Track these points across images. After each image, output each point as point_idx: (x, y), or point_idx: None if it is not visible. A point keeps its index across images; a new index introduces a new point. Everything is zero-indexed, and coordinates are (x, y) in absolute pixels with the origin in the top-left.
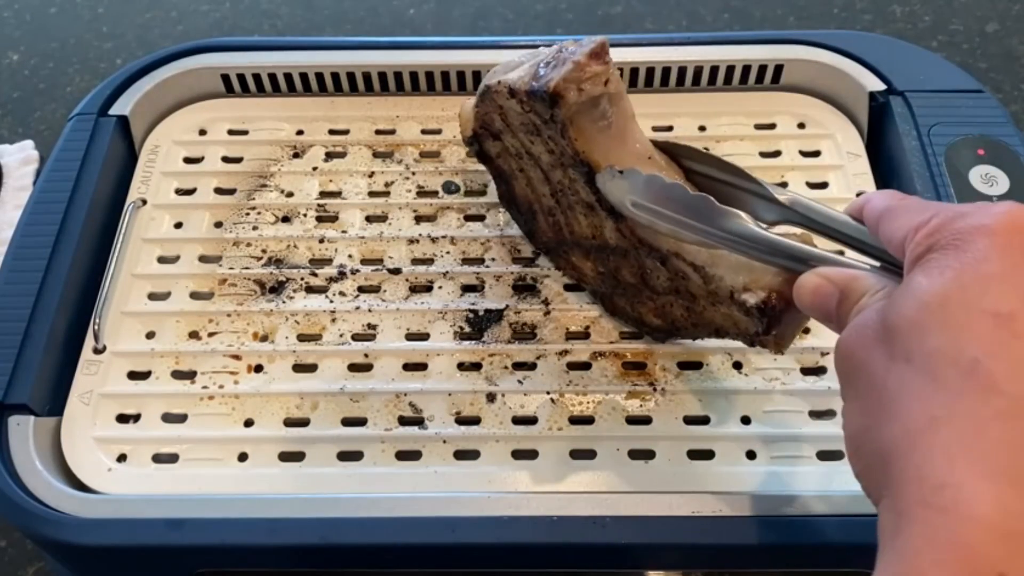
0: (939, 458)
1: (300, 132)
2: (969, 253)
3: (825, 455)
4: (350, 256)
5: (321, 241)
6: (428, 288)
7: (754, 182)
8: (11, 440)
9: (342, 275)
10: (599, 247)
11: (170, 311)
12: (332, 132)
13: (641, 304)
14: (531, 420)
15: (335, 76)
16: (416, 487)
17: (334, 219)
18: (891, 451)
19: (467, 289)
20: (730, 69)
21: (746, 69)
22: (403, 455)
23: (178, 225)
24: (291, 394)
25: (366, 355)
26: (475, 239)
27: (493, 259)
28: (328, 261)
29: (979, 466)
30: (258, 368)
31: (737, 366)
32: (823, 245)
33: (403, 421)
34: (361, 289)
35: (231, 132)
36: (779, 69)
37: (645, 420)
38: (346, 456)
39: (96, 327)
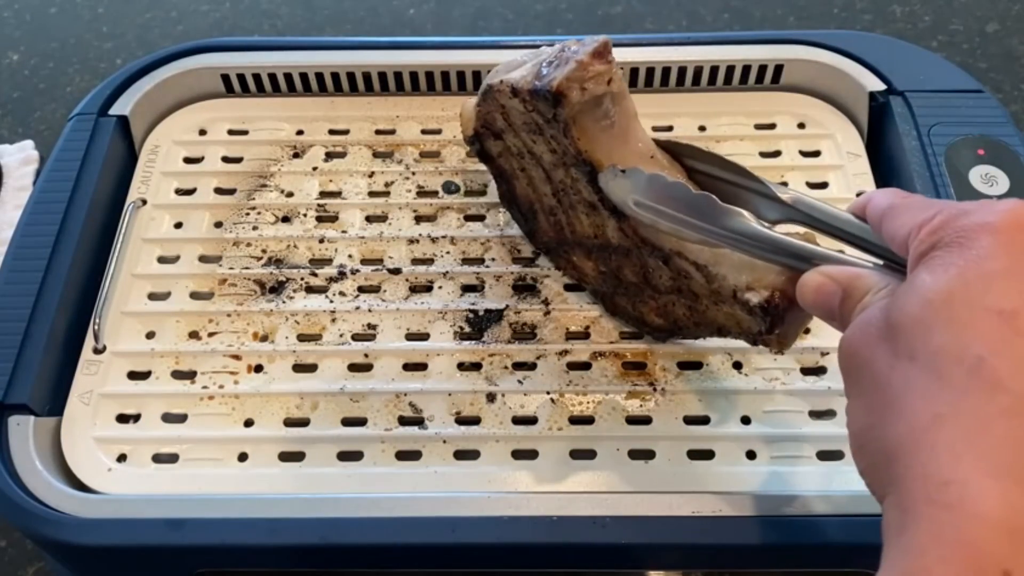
0: (944, 455)
1: (300, 132)
2: (973, 250)
3: (825, 455)
4: (350, 256)
5: (321, 241)
6: (428, 288)
7: (756, 181)
8: (11, 440)
9: (342, 275)
10: (601, 246)
11: (170, 311)
12: (332, 132)
13: (643, 303)
14: (531, 420)
15: (335, 76)
16: (416, 487)
17: (334, 219)
18: (896, 449)
19: (467, 289)
20: (730, 69)
21: (746, 69)
22: (403, 455)
23: (178, 225)
24: (291, 394)
25: (366, 355)
26: (475, 239)
27: (493, 259)
28: (328, 261)
29: (984, 463)
30: (258, 368)
31: (737, 366)
32: (826, 243)
33: (403, 421)
34: (361, 289)
35: (231, 132)
36: (779, 69)
37: (645, 420)
38: (346, 456)
39: (96, 327)
